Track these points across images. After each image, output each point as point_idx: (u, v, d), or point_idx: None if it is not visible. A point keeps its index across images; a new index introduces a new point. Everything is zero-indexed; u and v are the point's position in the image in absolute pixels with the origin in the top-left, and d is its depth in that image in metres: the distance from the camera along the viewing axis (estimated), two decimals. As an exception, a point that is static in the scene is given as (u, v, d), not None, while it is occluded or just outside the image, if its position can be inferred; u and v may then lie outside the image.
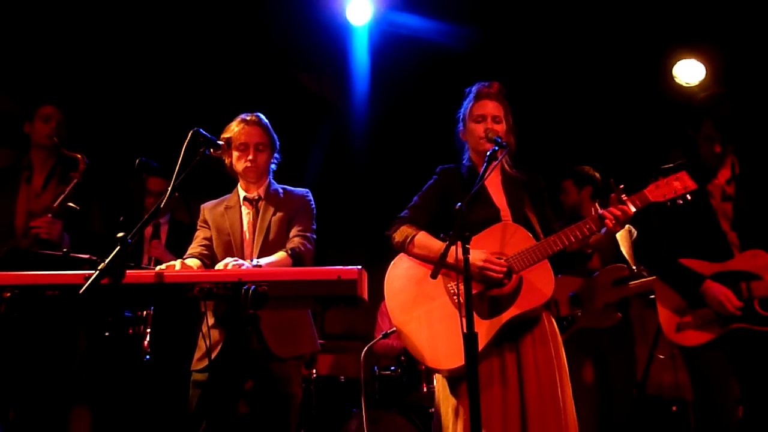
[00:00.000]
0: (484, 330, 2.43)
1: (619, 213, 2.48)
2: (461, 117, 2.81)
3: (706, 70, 4.96)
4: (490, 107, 2.72)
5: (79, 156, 3.34)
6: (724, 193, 2.94)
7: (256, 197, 2.95)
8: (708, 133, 2.88)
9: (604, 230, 2.52)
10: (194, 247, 2.92)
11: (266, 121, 2.98)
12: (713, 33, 4.69)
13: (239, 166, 2.91)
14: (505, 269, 2.49)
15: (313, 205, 2.99)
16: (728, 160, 2.97)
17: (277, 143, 3.01)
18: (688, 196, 2.54)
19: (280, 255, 2.72)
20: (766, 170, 2.96)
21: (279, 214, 2.90)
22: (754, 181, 2.94)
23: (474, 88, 2.80)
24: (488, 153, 2.54)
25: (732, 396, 2.80)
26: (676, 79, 5.02)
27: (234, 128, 2.91)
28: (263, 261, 2.64)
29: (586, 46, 4.92)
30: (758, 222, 2.88)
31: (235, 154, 2.91)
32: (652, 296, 3.21)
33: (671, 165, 2.99)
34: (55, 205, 3.22)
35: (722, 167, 2.96)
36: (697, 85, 4.95)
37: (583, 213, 4.05)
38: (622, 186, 2.53)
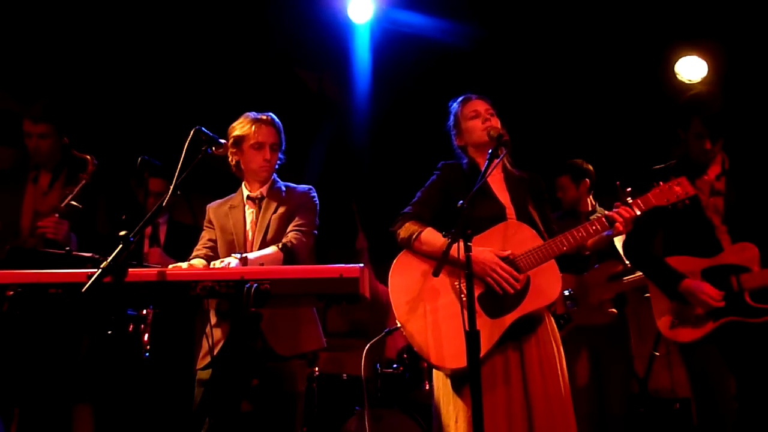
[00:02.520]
0: (492, 329, 2.43)
1: (628, 216, 2.51)
2: (452, 125, 2.85)
3: (708, 67, 4.95)
4: (479, 104, 2.79)
5: (88, 157, 3.33)
6: (712, 189, 2.97)
7: (259, 196, 2.95)
8: (697, 131, 2.92)
9: (609, 232, 2.53)
10: (199, 249, 2.94)
11: (279, 121, 2.99)
12: (715, 29, 4.69)
13: (254, 164, 2.90)
14: (520, 286, 2.48)
15: (316, 201, 2.98)
16: (718, 156, 3.00)
17: (284, 144, 3.02)
18: (687, 201, 2.60)
19: (271, 249, 2.72)
20: (756, 165, 2.99)
21: (280, 211, 2.90)
22: (744, 175, 2.97)
23: (457, 99, 2.87)
24: (490, 151, 2.56)
25: (730, 390, 2.81)
26: (678, 76, 5.02)
27: (248, 127, 2.89)
28: (251, 255, 2.63)
29: (588, 44, 4.91)
30: (748, 216, 2.91)
31: (249, 152, 2.90)
32: (648, 294, 3.23)
33: (662, 165, 3.04)
34: (62, 205, 3.22)
35: (712, 163, 3.00)
36: (699, 82, 4.95)
37: (581, 208, 4.05)
38: (629, 189, 2.55)
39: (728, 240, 2.91)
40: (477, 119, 2.75)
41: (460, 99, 2.86)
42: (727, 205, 2.93)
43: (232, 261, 2.51)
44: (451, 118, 2.86)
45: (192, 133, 2.39)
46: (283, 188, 3.00)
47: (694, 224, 2.95)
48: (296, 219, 2.88)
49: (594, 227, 2.53)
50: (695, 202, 2.90)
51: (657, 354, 4.05)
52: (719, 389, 2.82)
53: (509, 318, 2.46)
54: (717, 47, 4.83)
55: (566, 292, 3.91)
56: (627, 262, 3.68)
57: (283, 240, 2.80)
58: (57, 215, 3.19)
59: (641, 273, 3.55)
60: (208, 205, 3.05)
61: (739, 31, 4.61)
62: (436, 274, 2.31)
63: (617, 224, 2.49)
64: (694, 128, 2.93)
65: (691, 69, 4.98)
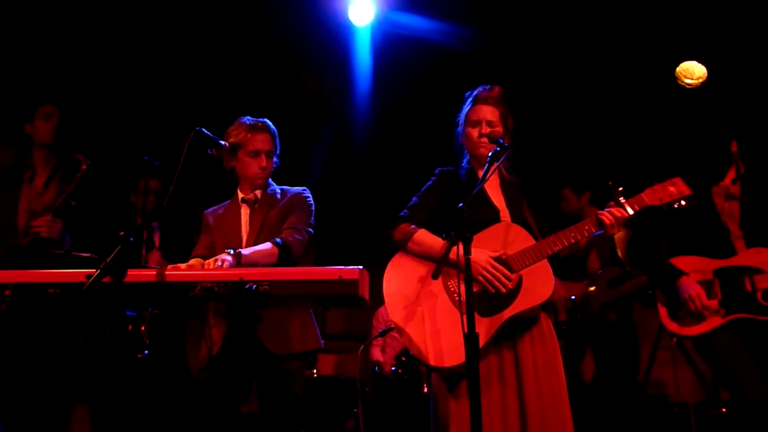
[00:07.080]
0: (484, 328, 2.43)
1: (618, 215, 2.51)
2: (459, 122, 2.83)
3: (708, 70, 4.96)
4: (486, 111, 2.73)
5: (81, 157, 3.35)
6: (728, 193, 2.96)
7: (254, 198, 2.96)
8: (724, 133, 2.92)
9: (601, 232, 2.53)
10: (198, 249, 2.95)
11: (273, 127, 2.99)
12: (716, 32, 4.69)
13: (250, 172, 2.92)
14: (512, 285, 2.49)
15: (310, 201, 2.98)
16: None
17: (279, 149, 3.03)
18: (683, 202, 2.58)
19: (265, 245, 2.72)
20: None
21: (273, 212, 2.91)
22: (760, 179, 2.97)
23: (474, 92, 2.81)
24: (490, 153, 2.55)
25: (756, 368, 2.75)
26: (678, 79, 5.02)
27: (243, 134, 2.90)
28: (245, 251, 2.63)
29: (588, 46, 4.92)
30: (765, 220, 2.90)
31: (245, 160, 2.91)
32: (650, 291, 3.22)
33: (668, 168, 3.02)
34: (56, 204, 3.23)
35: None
36: (699, 86, 4.95)
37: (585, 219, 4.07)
38: (621, 189, 2.55)
39: (743, 245, 2.90)
40: (475, 128, 2.72)
41: (473, 97, 2.78)
42: (743, 210, 2.92)
43: (227, 258, 2.51)
44: (462, 111, 2.81)
45: (192, 134, 2.39)
46: (278, 190, 3.01)
47: (708, 229, 2.94)
48: (290, 217, 2.88)
49: (587, 227, 2.54)
50: (710, 206, 2.91)
51: (672, 343, 4.05)
52: (744, 366, 2.77)
53: (501, 317, 2.46)
54: (718, 50, 4.83)
55: (569, 300, 3.93)
56: (627, 267, 3.70)
57: (277, 236, 2.79)
58: (51, 214, 3.20)
59: (642, 276, 3.55)
60: (204, 212, 3.07)
61: (740, 32, 4.61)
62: (435, 276, 2.30)
63: (607, 224, 2.49)
64: (722, 130, 2.93)
65: (692, 72, 4.98)
